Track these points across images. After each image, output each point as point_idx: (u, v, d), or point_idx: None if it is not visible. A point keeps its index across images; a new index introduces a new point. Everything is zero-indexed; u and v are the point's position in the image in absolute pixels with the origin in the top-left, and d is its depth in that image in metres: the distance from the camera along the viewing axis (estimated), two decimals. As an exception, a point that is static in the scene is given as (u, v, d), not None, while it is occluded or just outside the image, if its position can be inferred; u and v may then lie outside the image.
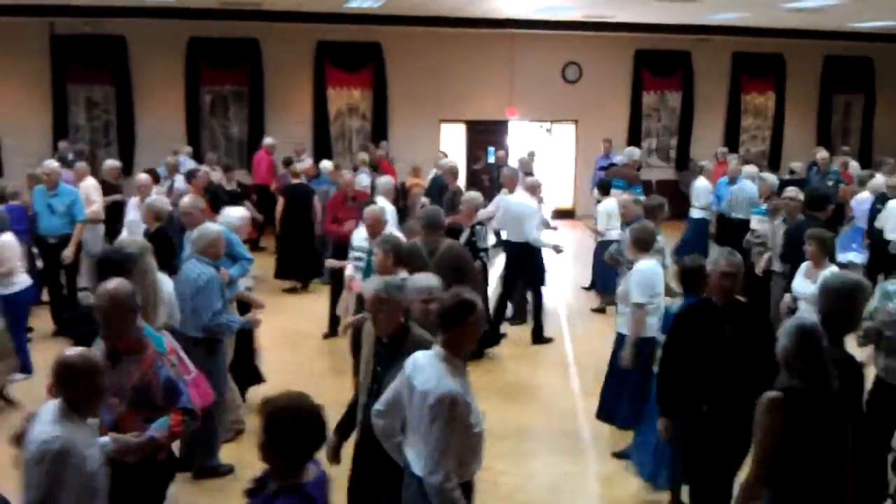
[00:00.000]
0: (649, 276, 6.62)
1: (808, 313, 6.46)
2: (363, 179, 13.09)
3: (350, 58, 17.93)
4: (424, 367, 4.04)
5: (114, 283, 4.41)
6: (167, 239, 7.25)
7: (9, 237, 8.07)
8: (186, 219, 7.51)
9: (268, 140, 15.63)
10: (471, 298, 4.05)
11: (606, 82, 18.94)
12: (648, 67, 19.30)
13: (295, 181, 12.50)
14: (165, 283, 6.05)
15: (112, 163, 12.35)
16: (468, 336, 4.05)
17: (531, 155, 15.47)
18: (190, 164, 14.23)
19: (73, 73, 16.66)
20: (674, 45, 19.00)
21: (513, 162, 16.05)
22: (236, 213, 7.88)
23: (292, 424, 3.13)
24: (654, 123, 19.74)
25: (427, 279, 5.17)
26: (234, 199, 11.79)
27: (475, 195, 9.56)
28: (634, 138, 19.02)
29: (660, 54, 19.18)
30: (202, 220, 7.27)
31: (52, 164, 10.23)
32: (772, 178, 10.85)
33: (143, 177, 10.61)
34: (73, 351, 3.77)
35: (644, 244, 6.74)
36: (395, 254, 6.30)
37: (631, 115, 19.39)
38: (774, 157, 19.85)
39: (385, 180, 10.55)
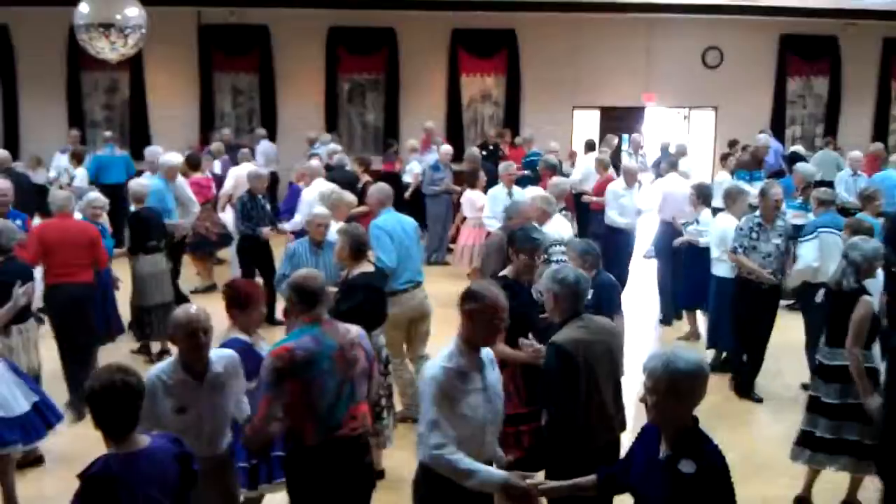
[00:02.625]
0: None
1: None
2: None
3: (484, 44, 17.93)
4: (442, 351, 4.00)
5: None
6: (144, 220, 8.47)
7: None
8: None
9: (428, 124, 15.87)
10: (476, 289, 3.95)
11: (749, 67, 18.27)
12: (794, 52, 18.54)
13: None
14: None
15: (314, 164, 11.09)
16: (473, 325, 3.90)
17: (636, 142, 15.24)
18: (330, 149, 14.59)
19: (220, 62, 17.32)
20: (820, 30, 18.18)
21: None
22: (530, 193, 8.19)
23: (108, 398, 3.31)
24: (799, 110, 18.97)
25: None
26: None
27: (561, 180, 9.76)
28: (778, 126, 18.34)
29: (806, 39, 18.38)
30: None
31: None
32: (808, 169, 10.05)
33: (314, 164, 10.71)
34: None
35: None
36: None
37: (774, 101, 18.69)
38: (926, 147, 18.81)
39: (505, 165, 10.83)
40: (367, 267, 5.95)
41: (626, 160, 13.48)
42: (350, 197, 8.46)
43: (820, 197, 8.07)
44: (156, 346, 8.75)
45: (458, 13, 17.10)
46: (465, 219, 11.86)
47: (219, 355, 4.37)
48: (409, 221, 7.30)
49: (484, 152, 14.90)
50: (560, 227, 7.62)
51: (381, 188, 7.52)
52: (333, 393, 4.15)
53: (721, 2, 16.43)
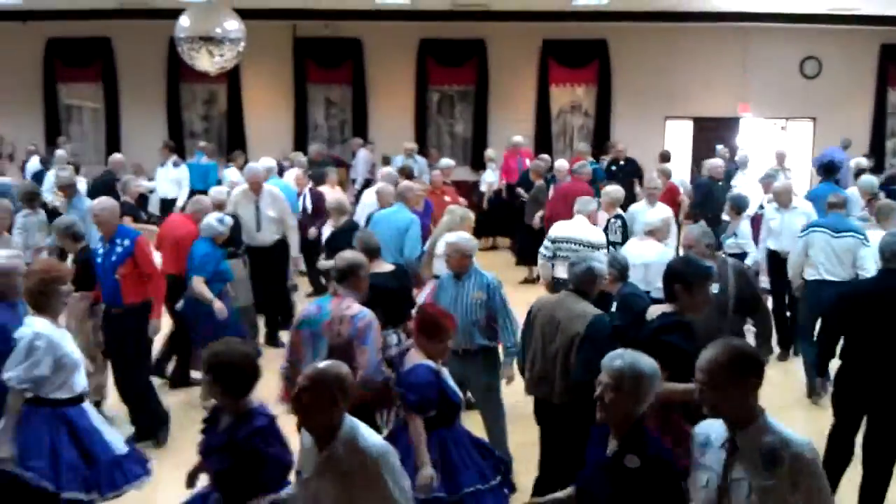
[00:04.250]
0: None
1: None
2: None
3: (575, 55, 17.83)
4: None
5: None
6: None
7: None
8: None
9: (516, 139, 15.67)
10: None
11: (848, 78, 17.74)
12: (895, 63, 17.96)
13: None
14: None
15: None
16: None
17: (781, 156, 14.37)
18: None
19: (313, 74, 17.64)
20: (924, 40, 17.60)
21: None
22: (660, 215, 7.93)
23: (234, 366, 3.85)
24: (900, 122, 18.38)
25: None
26: None
27: (615, 188, 9.43)
28: (878, 138, 17.80)
29: (908, 48, 17.81)
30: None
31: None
32: (871, 181, 9.69)
33: (386, 170, 10.91)
34: None
35: None
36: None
37: (875, 112, 18.11)
38: None
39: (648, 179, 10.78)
40: (381, 267, 6.15)
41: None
42: (469, 213, 8.02)
43: (830, 200, 8.18)
44: None
45: (548, 24, 17.04)
46: None
47: (363, 440, 3.52)
48: (402, 219, 8.22)
49: (613, 167, 14.54)
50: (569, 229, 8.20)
51: (380, 188, 9.41)
52: (315, 350, 5.10)
53: (820, 11, 16.02)
